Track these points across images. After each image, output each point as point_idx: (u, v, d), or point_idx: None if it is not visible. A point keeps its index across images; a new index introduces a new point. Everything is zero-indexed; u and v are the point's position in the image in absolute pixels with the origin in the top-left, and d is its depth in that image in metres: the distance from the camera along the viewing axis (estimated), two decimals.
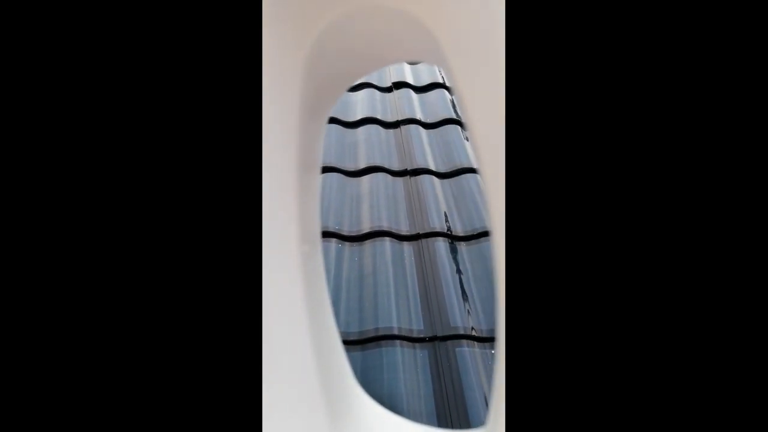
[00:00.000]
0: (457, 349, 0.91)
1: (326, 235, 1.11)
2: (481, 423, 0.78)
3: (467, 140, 1.51)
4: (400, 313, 0.96)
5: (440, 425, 0.78)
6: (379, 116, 1.58)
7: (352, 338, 0.89)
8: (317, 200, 0.34)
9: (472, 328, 0.95)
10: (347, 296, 0.99)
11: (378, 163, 1.37)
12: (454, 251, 1.14)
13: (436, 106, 1.66)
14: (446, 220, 1.21)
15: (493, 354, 0.91)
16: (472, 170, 1.37)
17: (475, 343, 0.93)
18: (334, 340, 0.34)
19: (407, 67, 1.87)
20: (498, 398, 0.23)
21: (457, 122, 1.57)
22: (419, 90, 1.76)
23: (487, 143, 0.22)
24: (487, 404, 0.83)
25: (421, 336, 0.93)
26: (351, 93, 1.68)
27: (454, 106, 1.66)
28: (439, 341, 0.93)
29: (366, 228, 1.16)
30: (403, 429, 0.38)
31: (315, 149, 0.32)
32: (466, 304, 1.00)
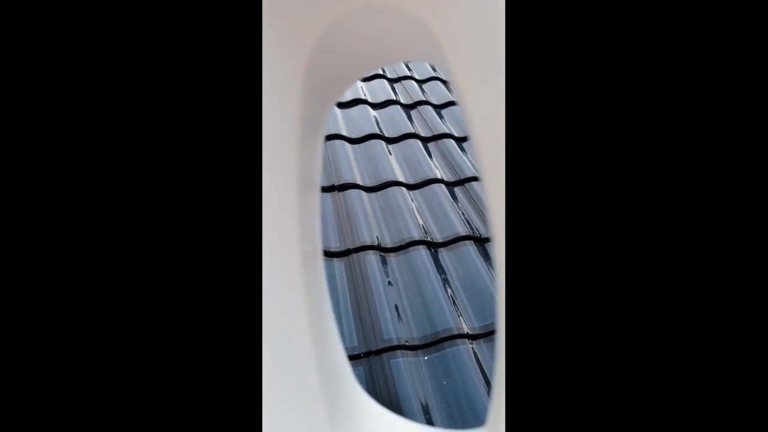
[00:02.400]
0: (392, 361, 0.93)
1: None
2: None
3: (390, 154, 1.56)
4: None
5: None
6: None
7: None
8: (317, 202, 0.32)
9: (406, 340, 0.97)
10: None
11: None
12: (384, 263, 1.16)
13: (359, 121, 1.69)
14: (376, 233, 1.23)
15: (426, 360, 0.94)
16: (398, 183, 1.41)
17: (408, 352, 0.95)
18: (335, 340, 0.34)
19: None
20: (498, 398, 0.23)
21: (380, 137, 1.61)
22: (343, 106, 1.78)
23: (487, 142, 0.22)
24: (423, 412, 0.85)
25: (356, 353, 0.93)
26: None
27: (377, 122, 1.71)
28: (373, 355, 0.94)
29: None
30: (404, 429, 0.37)
31: (315, 151, 0.31)
32: (398, 315, 1.02)
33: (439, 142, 1.65)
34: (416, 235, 1.21)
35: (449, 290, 1.09)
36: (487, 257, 1.21)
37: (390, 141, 1.62)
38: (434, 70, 2.15)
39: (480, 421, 0.84)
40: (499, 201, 0.20)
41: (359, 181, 1.41)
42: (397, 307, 1.04)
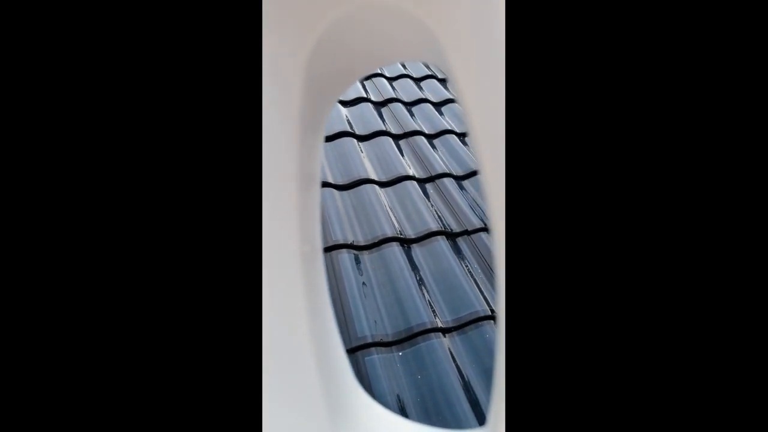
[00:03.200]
0: (366, 358, 0.93)
1: None
2: None
3: (362, 151, 1.56)
4: None
5: None
6: None
7: None
8: (318, 203, 0.32)
9: (380, 337, 0.98)
10: None
11: None
12: (357, 262, 1.16)
13: (330, 119, 1.68)
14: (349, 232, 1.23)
15: (400, 356, 0.95)
16: (370, 181, 1.41)
17: (383, 348, 0.96)
18: (335, 340, 0.34)
19: None
20: (498, 398, 0.23)
21: (351, 135, 1.61)
22: None
23: (487, 142, 0.22)
24: (399, 407, 0.86)
25: None
26: None
27: (348, 120, 1.70)
28: (348, 354, 0.94)
29: None
30: (405, 429, 0.37)
31: (315, 150, 0.31)
32: (372, 313, 1.03)
33: (411, 139, 1.66)
34: (389, 232, 1.22)
35: (422, 286, 1.10)
36: (458, 251, 1.23)
37: (361, 138, 1.62)
38: (404, 67, 2.16)
39: (455, 414, 0.85)
40: (499, 199, 0.21)
41: (331, 180, 1.40)
42: (371, 305, 1.04)
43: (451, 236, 1.27)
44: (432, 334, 0.98)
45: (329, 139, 1.59)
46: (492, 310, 1.07)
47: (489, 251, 1.22)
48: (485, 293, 1.10)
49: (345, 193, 1.38)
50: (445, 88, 2.08)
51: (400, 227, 1.27)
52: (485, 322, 1.03)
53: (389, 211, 1.32)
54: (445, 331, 1.01)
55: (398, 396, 0.88)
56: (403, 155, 1.57)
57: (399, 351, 0.96)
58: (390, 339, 0.97)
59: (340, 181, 1.41)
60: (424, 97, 1.93)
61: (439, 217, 1.32)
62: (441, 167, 1.52)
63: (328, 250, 1.16)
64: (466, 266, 1.18)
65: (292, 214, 0.28)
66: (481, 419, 0.86)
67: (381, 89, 1.95)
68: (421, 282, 1.11)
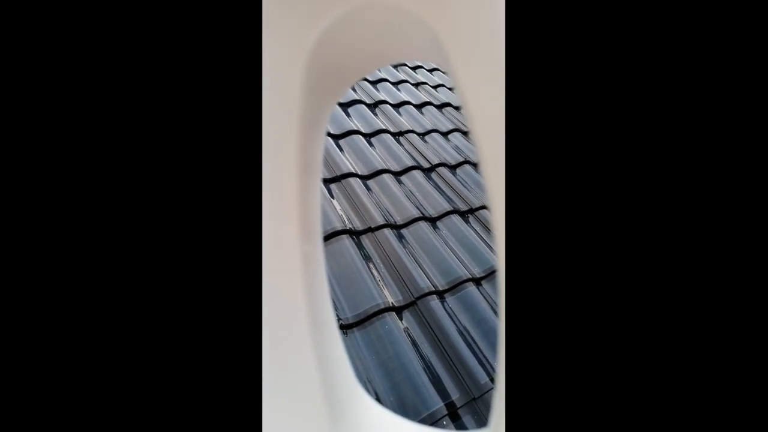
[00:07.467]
0: None
1: None
2: None
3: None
4: None
5: None
6: None
7: None
8: (318, 201, 0.31)
9: None
10: None
11: None
12: None
13: None
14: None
15: None
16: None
17: None
18: (335, 340, 0.33)
19: None
20: (499, 399, 0.23)
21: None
22: None
23: (488, 139, 0.22)
24: None
25: None
26: None
27: None
28: None
29: None
30: (405, 430, 0.37)
31: (316, 149, 0.31)
32: None
33: None
34: None
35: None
36: (360, 248, 1.25)
37: None
38: None
39: None
40: (499, 195, 0.21)
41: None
42: None
43: (355, 234, 1.29)
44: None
45: None
46: (393, 302, 1.10)
47: (392, 247, 1.26)
48: (385, 287, 1.14)
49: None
50: (353, 89, 2.11)
51: None
52: (386, 313, 1.06)
53: None
54: (345, 327, 1.02)
55: None
56: None
57: None
58: None
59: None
60: None
61: (344, 216, 1.34)
62: (347, 168, 1.54)
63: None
64: (369, 262, 1.20)
65: (292, 215, 0.28)
66: None
67: None
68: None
